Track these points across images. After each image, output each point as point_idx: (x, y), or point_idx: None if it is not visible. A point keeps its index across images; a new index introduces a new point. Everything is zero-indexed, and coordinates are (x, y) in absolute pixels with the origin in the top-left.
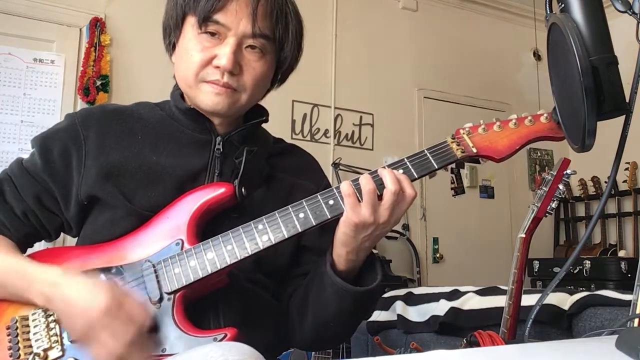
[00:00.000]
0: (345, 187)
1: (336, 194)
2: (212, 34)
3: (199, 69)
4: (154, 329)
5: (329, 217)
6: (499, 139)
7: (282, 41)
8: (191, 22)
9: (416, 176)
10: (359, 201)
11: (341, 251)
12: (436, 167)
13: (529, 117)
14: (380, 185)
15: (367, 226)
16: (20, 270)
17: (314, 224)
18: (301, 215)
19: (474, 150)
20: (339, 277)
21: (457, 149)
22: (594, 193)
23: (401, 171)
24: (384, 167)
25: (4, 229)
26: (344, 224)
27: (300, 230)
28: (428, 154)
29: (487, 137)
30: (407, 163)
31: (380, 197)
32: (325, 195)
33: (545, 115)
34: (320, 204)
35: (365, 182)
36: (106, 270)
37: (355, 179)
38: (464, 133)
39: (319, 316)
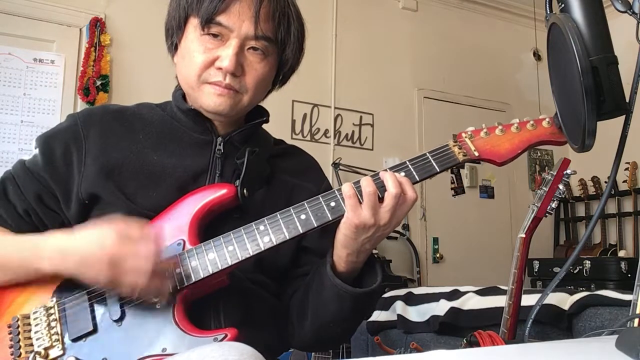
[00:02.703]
0: (347, 188)
1: (337, 195)
2: (215, 36)
3: (201, 70)
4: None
5: (330, 218)
6: (500, 143)
7: (284, 43)
8: (194, 23)
9: (418, 179)
10: (360, 203)
11: (341, 252)
12: (438, 170)
13: (531, 122)
14: (381, 187)
15: (368, 228)
16: (22, 244)
17: (315, 225)
18: (302, 216)
19: (476, 153)
20: (339, 278)
21: (459, 153)
22: (594, 193)
23: (403, 174)
24: (386, 170)
25: (6, 226)
26: (344, 226)
27: (301, 232)
28: (430, 157)
29: (489, 140)
30: (409, 166)
31: (381, 200)
32: (326, 197)
33: (547, 119)
34: (321, 205)
35: (366, 184)
36: None
37: (357, 180)
38: (466, 136)
39: (319, 317)
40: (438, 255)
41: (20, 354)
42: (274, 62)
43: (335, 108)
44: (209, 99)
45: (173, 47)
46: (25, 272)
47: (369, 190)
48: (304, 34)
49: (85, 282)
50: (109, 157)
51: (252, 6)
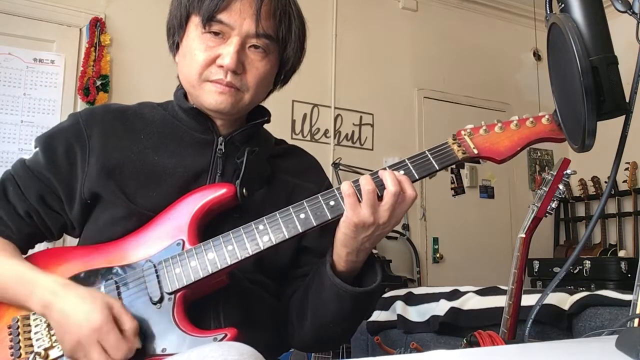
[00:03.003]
0: (346, 187)
1: (337, 194)
2: (216, 34)
3: (202, 68)
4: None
5: (330, 217)
6: (500, 140)
7: (285, 41)
8: (195, 21)
9: (417, 177)
10: (359, 201)
11: (341, 252)
12: (437, 168)
13: (531, 119)
14: (380, 185)
15: (367, 226)
16: (23, 276)
17: (315, 224)
18: (302, 215)
19: (475, 151)
20: (338, 277)
21: (458, 150)
22: (594, 193)
23: (402, 172)
24: (385, 168)
25: (6, 229)
26: (344, 224)
27: (300, 231)
28: (429, 155)
29: (488, 138)
30: (408, 164)
31: (380, 198)
32: (326, 196)
33: (546, 116)
34: (321, 204)
35: (365, 182)
36: (107, 270)
37: (356, 179)
38: (465, 134)
39: (319, 317)
40: (438, 255)
41: (20, 354)
42: (275, 60)
43: (335, 108)
44: (210, 97)
45: (174, 46)
46: (15, 304)
47: (368, 189)
48: (305, 33)
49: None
50: (110, 156)
51: (253, 4)
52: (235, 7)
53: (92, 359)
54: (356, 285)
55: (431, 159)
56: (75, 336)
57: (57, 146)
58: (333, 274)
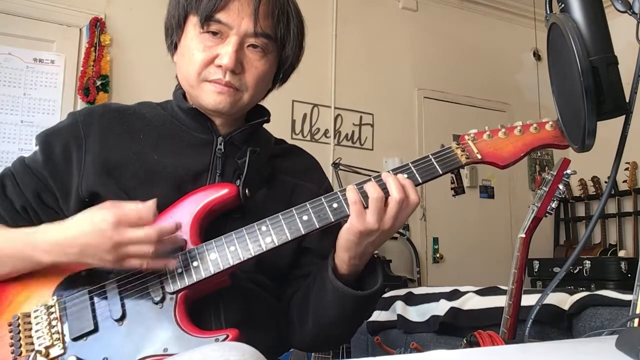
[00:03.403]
0: (351, 194)
1: (340, 197)
2: (214, 33)
3: (201, 68)
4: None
5: (333, 220)
6: (503, 146)
7: (283, 40)
8: (193, 21)
9: (420, 181)
10: (365, 208)
11: (344, 256)
12: (441, 172)
13: (534, 125)
14: (384, 190)
15: (372, 233)
16: (19, 238)
17: (317, 226)
18: (305, 217)
19: (479, 156)
20: (340, 280)
21: (462, 155)
22: (594, 193)
23: (405, 175)
24: (389, 172)
25: (3, 222)
26: (347, 231)
27: (303, 233)
28: (433, 160)
29: (491, 143)
30: (412, 168)
31: (385, 204)
32: (328, 198)
33: (550, 122)
34: (323, 206)
35: (372, 190)
36: (107, 270)
37: (359, 182)
38: (468, 139)
39: (320, 318)
40: (438, 255)
41: (21, 352)
42: (274, 59)
43: (335, 108)
44: (209, 97)
45: (173, 46)
46: (24, 265)
47: (376, 197)
48: (303, 32)
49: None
50: (109, 156)
51: (251, 3)
52: (234, 6)
53: (138, 240)
54: (357, 287)
55: (435, 163)
56: (106, 243)
57: (55, 145)
58: (335, 278)
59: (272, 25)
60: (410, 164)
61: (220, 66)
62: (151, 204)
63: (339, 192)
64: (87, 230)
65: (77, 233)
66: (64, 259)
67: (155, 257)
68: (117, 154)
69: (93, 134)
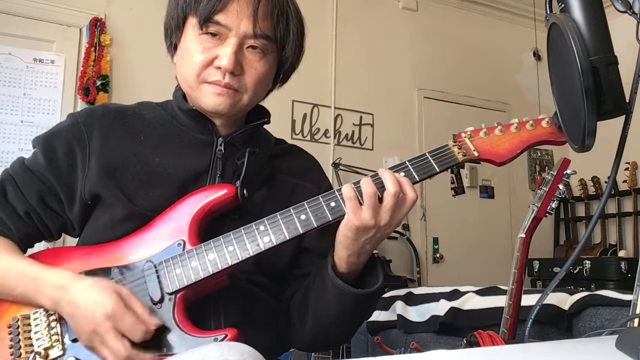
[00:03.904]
0: (347, 190)
1: (337, 196)
2: (213, 35)
3: (200, 69)
4: (160, 331)
5: (330, 219)
6: (500, 143)
7: (283, 41)
8: (192, 23)
9: (417, 179)
10: (360, 204)
11: (342, 254)
12: (438, 170)
13: (530, 122)
14: (381, 187)
15: (368, 229)
16: (28, 273)
17: (315, 225)
18: (302, 216)
19: (476, 153)
20: (340, 279)
21: (459, 152)
22: (594, 193)
23: (403, 174)
24: (385, 169)
25: (5, 229)
26: (345, 227)
27: (301, 232)
28: (430, 157)
29: (488, 140)
30: (409, 166)
31: (381, 200)
32: (326, 197)
33: (546, 119)
34: (321, 205)
35: (366, 184)
36: (107, 270)
37: (356, 181)
38: (465, 136)
39: (320, 318)
40: (438, 255)
41: (20, 354)
42: (274, 60)
43: (335, 108)
44: (209, 98)
45: (172, 47)
46: (24, 302)
47: (369, 192)
48: (303, 32)
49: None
50: (110, 157)
51: (250, 4)
52: (232, 7)
53: (110, 345)
54: (358, 286)
55: (431, 160)
56: (89, 326)
57: (57, 147)
58: (335, 276)
59: (272, 26)
60: (407, 162)
61: (219, 68)
62: (156, 321)
63: (336, 191)
64: (84, 303)
65: (76, 297)
66: (59, 309)
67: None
68: (118, 155)
69: (95, 135)
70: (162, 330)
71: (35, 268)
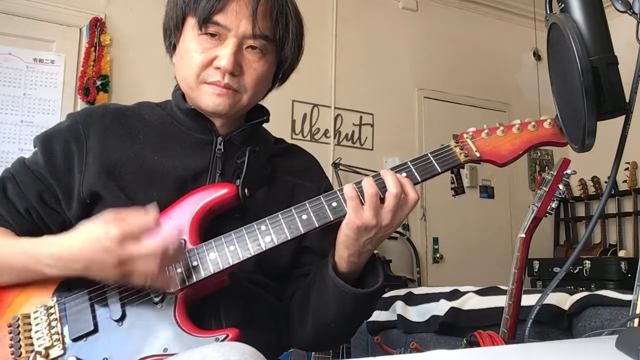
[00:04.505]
0: (348, 189)
1: (339, 196)
2: (213, 35)
3: (199, 70)
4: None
5: (332, 219)
6: (502, 144)
7: (282, 41)
8: (191, 23)
9: (419, 180)
10: (362, 204)
11: (343, 253)
12: (440, 171)
13: (532, 123)
14: (383, 187)
15: (370, 229)
16: (23, 250)
17: (317, 225)
18: (304, 216)
19: (477, 154)
20: (340, 279)
21: (461, 153)
22: (594, 193)
23: (404, 174)
24: (387, 170)
25: (6, 224)
26: (346, 227)
27: (302, 232)
28: (432, 158)
29: (490, 141)
30: (411, 167)
31: (382, 200)
32: (328, 197)
33: (548, 120)
34: (323, 206)
35: (368, 185)
36: None
37: (358, 181)
38: (467, 137)
39: (320, 317)
40: (438, 255)
41: (21, 353)
42: (273, 60)
43: (335, 108)
44: (208, 98)
45: (171, 47)
46: (27, 276)
47: (371, 192)
48: (302, 32)
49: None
50: (109, 156)
51: (249, 5)
52: (232, 8)
53: (140, 259)
54: (358, 286)
55: (433, 161)
56: (110, 258)
57: (55, 146)
58: (335, 275)
59: (271, 26)
60: (409, 163)
61: (218, 68)
62: (154, 211)
63: (338, 191)
64: (91, 246)
65: (81, 248)
66: (69, 273)
67: (160, 271)
68: (117, 155)
69: (93, 134)
70: (163, 329)
71: (29, 242)
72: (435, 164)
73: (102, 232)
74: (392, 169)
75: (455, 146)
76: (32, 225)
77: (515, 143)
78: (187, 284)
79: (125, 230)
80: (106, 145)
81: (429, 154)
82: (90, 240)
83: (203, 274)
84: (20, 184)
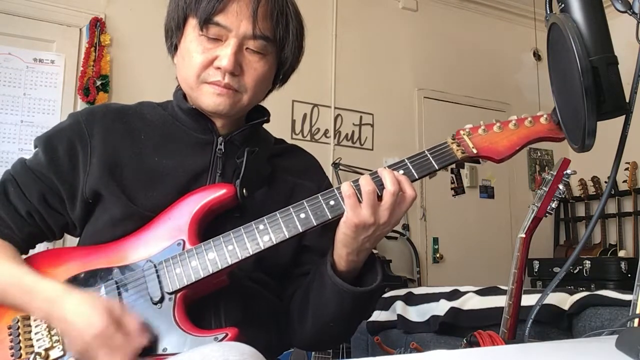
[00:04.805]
0: (346, 187)
1: (337, 194)
2: (213, 36)
3: (200, 70)
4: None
5: (330, 217)
6: (499, 140)
7: (282, 42)
8: (192, 23)
9: (416, 177)
10: (359, 202)
11: (342, 252)
12: (436, 167)
13: (529, 118)
14: (380, 185)
15: (368, 227)
16: (21, 283)
17: (315, 224)
18: (302, 215)
19: (474, 150)
20: (339, 277)
21: (458, 150)
22: (594, 193)
23: (401, 172)
24: (385, 168)
25: (7, 229)
26: (344, 225)
27: (301, 231)
28: (428, 155)
29: (487, 137)
30: (408, 164)
31: (380, 198)
32: (326, 196)
33: (544, 116)
34: (321, 204)
35: (365, 182)
36: (108, 270)
37: (356, 179)
38: (464, 134)
39: (319, 316)
40: (438, 255)
41: (21, 354)
42: (273, 61)
43: (335, 108)
44: (209, 98)
45: (173, 48)
46: (15, 308)
47: (368, 189)
48: (303, 33)
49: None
50: (111, 156)
51: (249, 5)
52: (232, 8)
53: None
54: (357, 285)
55: (430, 158)
56: (80, 342)
57: (58, 145)
58: (334, 274)
59: (271, 27)
60: (406, 160)
61: (219, 68)
62: (142, 343)
63: (335, 190)
64: (74, 320)
65: (69, 313)
66: (49, 322)
67: None
68: (119, 154)
69: (97, 134)
70: (163, 330)
71: (28, 277)
72: (432, 161)
73: (93, 317)
74: (389, 166)
75: (452, 143)
76: (34, 227)
77: (512, 139)
78: (186, 283)
79: (110, 332)
80: (108, 145)
81: (425, 151)
82: (78, 313)
83: (202, 274)
84: (22, 186)
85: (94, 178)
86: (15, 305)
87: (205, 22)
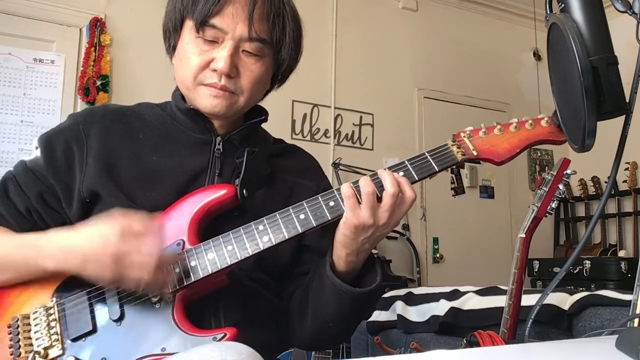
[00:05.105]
0: (346, 189)
1: (337, 195)
2: (210, 38)
3: (196, 72)
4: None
5: (330, 218)
6: (499, 142)
7: (279, 44)
8: (189, 25)
9: (417, 178)
10: (359, 203)
11: (341, 252)
12: (437, 169)
13: (530, 121)
14: (380, 187)
15: (367, 228)
16: (27, 242)
17: (314, 225)
18: (302, 216)
19: (475, 153)
20: (338, 278)
21: (458, 152)
22: (594, 193)
23: (402, 173)
24: (385, 169)
25: (6, 225)
26: (343, 226)
27: (300, 231)
28: (429, 157)
29: (487, 140)
30: (408, 165)
31: (380, 199)
32: (325, 197)
33: (545, 118)
34: (320, 205)
35: (365, 184)
36: None
37: (355, 180)
38: (464, 136)
39: (319, 316)
40: (438, 255)
41: (20, 353)
42: (270, 62)
43: (335, 108)
44: (205, 100)
45: (171, 49)
46: (28, 271)
47: (368, 191)
48: (300, 34)
49: (89, 279)
50: (109, 156)
51: (245, 8)
52: (228, 11)
53: (135, 260)
54: (356, 286)
55: (430, 160)
56: (107, 256)
57: (56, 146)
58: (333, 274)
59: (267, 29)
60: (406, 161)
61: (215, 70)
62: (159, 217)
63: (335, 191)
64: (92, 239)
65: (82, 241)
66: (65, 267)
67: (154, 276)
68: (117, 155)
69: (94, 134)
70: (161, 329)
71: (32, 235)
72: (433, 163)
73: (105, 225)
74: (389, 167)
75: (453, 145)
76: (33, 225)
77: (512, 142)
78: (185, 284)
79: (128, 225)
80: (106, 145)
81: (426, 153)
82: (92, 235)
83: (201, 274)
84: (21, 185)
85: (90, 178)
86: (28, 265)
87: (202, 25)
